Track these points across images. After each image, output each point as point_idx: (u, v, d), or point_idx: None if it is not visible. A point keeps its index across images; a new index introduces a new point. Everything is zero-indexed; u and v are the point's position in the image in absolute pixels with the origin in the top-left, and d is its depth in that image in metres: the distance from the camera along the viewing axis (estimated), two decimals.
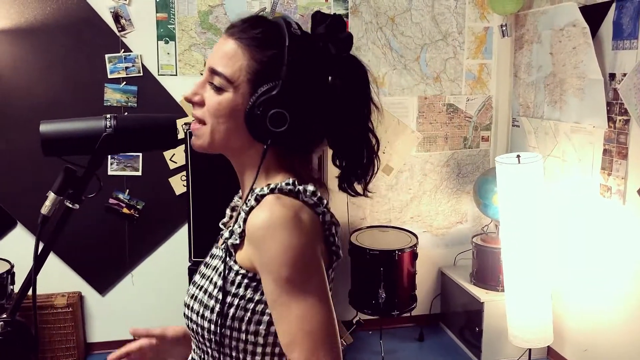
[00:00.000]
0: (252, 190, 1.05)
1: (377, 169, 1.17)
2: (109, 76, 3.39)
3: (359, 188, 1.19)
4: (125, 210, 3.54)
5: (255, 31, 1.04)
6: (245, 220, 1.00)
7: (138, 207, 3.55)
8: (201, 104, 1.06)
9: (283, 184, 1.01)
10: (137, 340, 1.25)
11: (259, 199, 1.01)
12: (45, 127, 0.98)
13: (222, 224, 1.24)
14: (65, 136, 0.99)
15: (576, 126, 3.19)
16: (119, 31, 3.38)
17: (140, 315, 3.62)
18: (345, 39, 1.08)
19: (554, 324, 3.20)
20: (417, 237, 3.61)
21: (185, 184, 3.16)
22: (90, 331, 3.64)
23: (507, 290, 3.22)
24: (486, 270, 3.58)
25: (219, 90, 1.04)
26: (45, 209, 1.01)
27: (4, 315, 1.02)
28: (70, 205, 1.02)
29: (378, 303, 3.40)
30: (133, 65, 3.41)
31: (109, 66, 3.39)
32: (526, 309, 3.12)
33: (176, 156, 3.47)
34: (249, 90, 1.02)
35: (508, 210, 3.11)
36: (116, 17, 3.36)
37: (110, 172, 3.47)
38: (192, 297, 1.08)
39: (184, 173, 3.27)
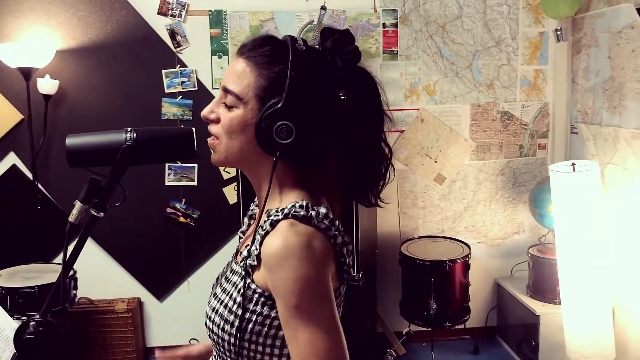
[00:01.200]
0: (265, 208, 1.10)
1: (390, 178, 1.17)
2: (166, 90, 3.54)
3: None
4: (181, 219, 3.66)
5: (262, 49, 1.10)
6: (261, 244, 1.04)
7: (194, 216, 3.67)
8: (217, 121, 1.12)
9: (297, 207, 1.05)
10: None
11: (274, 224, 1.05)
12: (70, 141, 1.05)
13: (241, 232, 1.28)
14: (88, 148, 1.06)
15: (637, 132, 3.05)
16: (175, 47, 3.52)
17: (195, 320, 3.73)
18: (351, 52, 1.10)
19: (616, 339, 3.05)
20: (469, 248, 3.54)
21: (237, 194, 3.25)
22: (149, 335, 3.79)
23: (563, 303, 3.11)
24: (543, 282, 3.46)
25: (230, 107, 1.10)
26: (72, 217, 1.08)
27: (36, 315, 1.09)
28: (95, 214, 1.08)
29: (429, 314, 3.36)
30: (188, 80, 3.54)
31: (165, 81, 3.53)
32: (585, 323, 2.99)
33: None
34: (258, 105, 1.07)
35: (563, 220, 3.01)
36: (172, 34, 3.51)
37: (167, 183, 3.61)
38: (213, 310, 1.14)
39: (236, 183, 3.36)
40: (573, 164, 2.97)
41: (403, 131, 3.74)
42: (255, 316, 1.06)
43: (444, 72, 3.70)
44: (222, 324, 1.10)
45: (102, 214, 1.09)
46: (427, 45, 3.67)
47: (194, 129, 1.10)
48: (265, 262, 1.03)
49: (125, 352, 3.59)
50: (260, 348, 1.07)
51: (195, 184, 3.62)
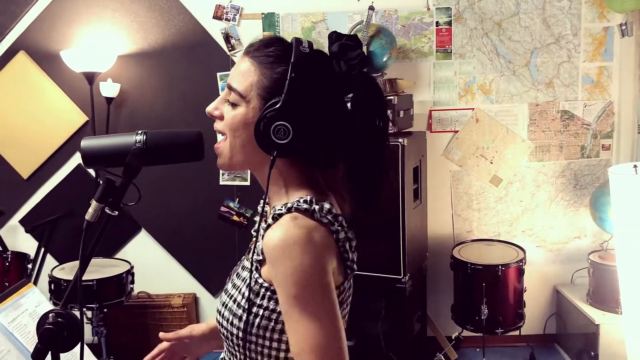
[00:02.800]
0: (266, 202, 1.12)
1: (387, 182, 1.19)
2: (220, 93, 3.62)
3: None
4: (235, 218, 3.75)
5: (267, 50, 1.12)
6: (264, 237, 1.07)
7: (247, 214, 3.74)
8: (221, 117, 1.15)
9: (301, 201, 1.07)
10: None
11: (276, 217, 1.07)
12: (84, 143, 1.10)
13: (254, 232, 1.31)
14: (101, 150, 1.11)
15: None
16: (229, 50, 3.61)
17: None
18: (355, 57, 1.11)
19: None
20: (524, 252, 3.42)
21: None
22: None
23: (625, 312, 2.94)
24: (604, 290, 3.29)
25: (233, 105, 1.12)
26: (88, 215, 1.13)
27: (57, 307, 1.15)
28: (110, 212, 1.13)
29: (480, 319, 3.27)
30: None
31: (220, 83, 3.63)
32: None
33: None
34: (260, 105, 1.10)
35: (623, 224, 2.85)
36: (227, 37, 3.59)
37: (221, 182, 3.71)
38: (223, 305, 1.17)
39: None
40: (635, 166, 2.81)
41: (457, 131, 3.66)
42: (262, 310, 1.08)
43: (500, 71, 3.59)
44: (230, 318, 1.12)
45: (116, 212, 1.14)
46: (483, 43, 3.57)
47: (201, 132, 1.13)
48: (267, 255, 1.05)
49: None
50: (267, 342, 1.10)
51: (247, 183, 3.70)
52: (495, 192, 3.72)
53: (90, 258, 1.17)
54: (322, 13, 3.55)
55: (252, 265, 1.10)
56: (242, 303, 1.11)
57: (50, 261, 3.55)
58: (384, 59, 3.25)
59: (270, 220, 1.08)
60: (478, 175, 3.70)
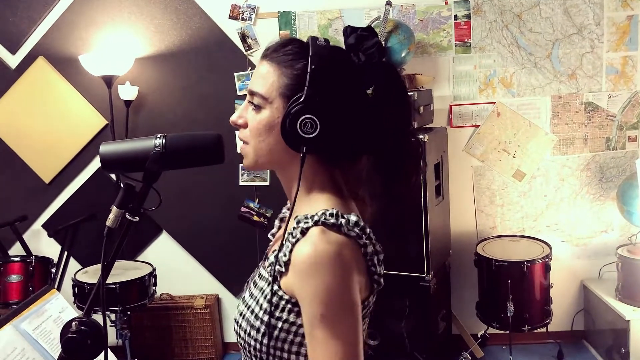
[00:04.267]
0: (293, 210, 1.09)
1: (421, 172, 1.16)
2: (238, 93, 3.62)
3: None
4: (255, 218, 3.74)
5: (285, 49, 1.10)
6: (291, 251, 1.04)
7: (267, 214, 3.73)
8: (245, 126, 1.13)
9: (327, 214, 1.04)
10: None
11: (304, 231, 1.04)
12: (103, 148, 1.09)
13: (272, 235, 1.28)
14: (120, 155, 1.09)
15: None
16: (246, 50, 3.59)
17: None
18: (372, 46, 1.09)
19: None
20: (550, 248, 3.36)
21: None
22: (227, 331, 3.89)
23: None
24: (634, 285, 3.22)
25: (258, 108, 1.10)
26: (109, 222, 1.11)
27: (80, 315, 1.13)
28: (131, 218, 1.11)
29: (506, 317, 3.21)
30: None
31: (237, 84, 3.61)
32: None
33: None
34: (283, 104, 1.08)
35: None
36: (243, 37, 3.58)
37: (241, 183, 3.70)
38: (241, 315, 1.14)
39: None
40: None
41: (478, 126, 3.60)
42: (281, 323, 1.06)
43: (522, 63, 3.53)
44: (248, 330, 1.10)
45: (137, 218, 1.12)
46: (503, 35, 3.51)
47: (221, 134, 1.10)
48: (294, 269, 1.02)
49: (205, 346, 3.71)
50: (285, 355, 1.07)
51: (267, 183, 3.68)
52: (518, 187, 3.65)
53: (112, 264, 1.16)
54: (338, 10, 3.51)
55: (273, 276, 1.07)
56: (260, 315, 1.08)
57: (73, 265, 3.58)
58: (402, 55, 3.21)
59: (298, 235, 1.04)
60: (500, 170, 3.64)
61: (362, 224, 1.06)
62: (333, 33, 3.50)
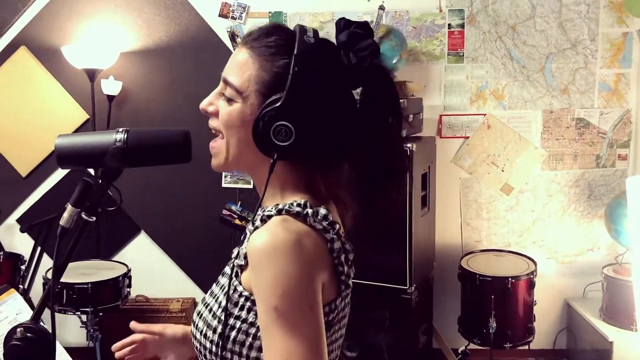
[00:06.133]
0: (260, 206, 1.01)
1: (404, 185, 1.07)
2: None
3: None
4: (237, 221, 3.65)
5: (267, 39, 1.01)
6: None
7: (249, 218, 3.63)
8: (216, 114, 1.05)
9: (294, 204, 0.96)
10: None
11: (265, 219, 0.97)
12: (59, 141, 1.00)
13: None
14: (78, 149, 1.01)
15: None
16: (235, 49, 3.51)
17: None
18: (366, 48, 0.99)
19: None
20: (535, 264, 3.30)
21: None
22: None
23: None
24: (618, 306, 3.16)
25: (229, 100, 1.02)
26: (63, 221, 1.02)
27: (26, 321, 1.04)
28: (87, 218, 1.02)
29: (488, 333, 3.14)
30: None
31: None
32: None
33: None
34: (258, 101, 0.99)
35: None
36: (232, 36, 3.50)
37: (223, 185, 3.61)
38: (198, 315, 1.06)
39: None
40: None
41: (468, 137, 3.54)
42: (239, 323, 0.97)
43: (514, 76, 3.48)
44: (204, 330, 1.01)
45: (93, 218, 1.03)
46: (496, 47, 3.46)
47: (189, 131, 1.02)
48: (250, 260, 0.93)
49: None
50: None
51: (251, 186, 3.60)
52: (506, 201, 3.60)
53: (65, 266, 1.07)
54: (331, 13, 3.45)
55: (232, 270, 0.99)
56: (218, 313, 0.99)
57: (47, 262, 3.46)
58: (394, 61, 3.15)
59: (258, 223, 0.97)
60: (488, 183, 3.58)
61: (331, 218, 0.97)
62: (324, 36, 3.41)
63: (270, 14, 3.47)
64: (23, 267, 3.03)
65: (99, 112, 3.47)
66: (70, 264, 3.15)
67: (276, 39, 1.00)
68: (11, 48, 3.53)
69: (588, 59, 3.43)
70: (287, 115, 0.95)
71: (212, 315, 1.01)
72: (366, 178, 1.05)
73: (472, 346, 3.38)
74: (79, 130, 3.56)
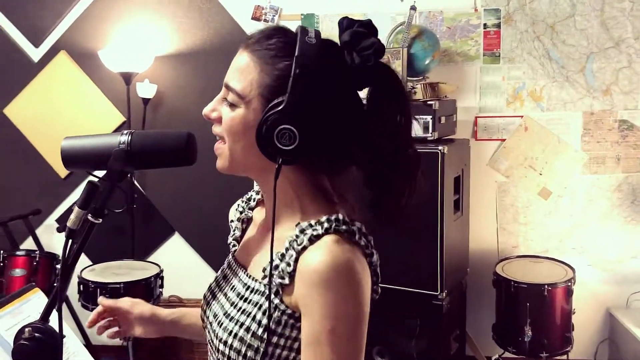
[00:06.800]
0: (274, 215, 0.98)
1: (414, 190, 1.02)
2: None
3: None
4: None
5: (268, 42, 0.99)
6: (296, 260, 0.94)
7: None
8: (219, 120, 1.03)
9: (337, 222, 0.95)
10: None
11: (313, 239, 0.94)
12: (65, 143, 1.01)
13: (235, 240, 1.20)
14: (83, 151, 1.02)
15: None
16: None
17: None
18: (369, 47, 0.96)
19: None
20: (574, 271, 3.18)
21: None
22: None
23: None
24: None
25: (232, 106, 1.00)
26: (70, 222, 1.03)
27: (34, 321, 1.05)
28: (93, 220, 1.03)
29: (524, 341, 3.05)
30: None
31: None
32: None
33: None
34: (261, 105, 0.97)
35: None
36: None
37: (256, 186, 3.61)
38: (231, 334, 1.00)
39: None
40: None
41: (504, 140, 3.45)
42: (284, 340, 0.96)
43: (552, 77, 3.37)
44: (243, 350, 0.98)
45: (100, 220, 1.03)
46: (534, 47, 3.36)
47: (192, 133, 1.01)
48: (303, 278, 0.92)
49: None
50: None
51: None
52: (544, 206, 3.48)
53: (73, 267, 1.07)
54: (363, 14, 3.41)
55: (269, 289, 0.96)
56: (259, 332, 0.97)
57: (84, 261, 3.55)
58: (426, 62, 3.09)
59: (305, 242, 0.94)
60: (526, 187, 3.48)
61: (365, 231, 0.98)
62: None
63: (302, 16, 3.47)
64: (59, 266, 3.10)
65: (134, 114, 3.53)
66: (104, 264, 3.22)
67: (276, 41, 0.98)
68: (52, 53, 3.63)
69: (632, 58, 3.29)
70: (290, 118, 0.92)
71: (252, 335, 0.97)
72: (373, 181, 1.01)
73: (506, 354, 3.29)
74: (116, 131, 3.62)
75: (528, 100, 3.40)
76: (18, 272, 2.84)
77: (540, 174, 3.45)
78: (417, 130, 2.90)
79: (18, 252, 2.95)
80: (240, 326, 1.00)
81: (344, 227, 0.94)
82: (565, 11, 3.30)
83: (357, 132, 0.99)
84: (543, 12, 3.32)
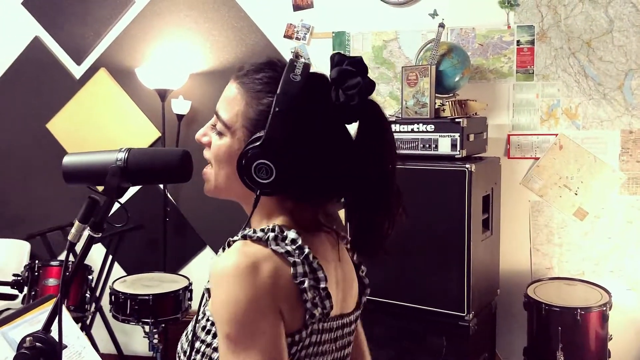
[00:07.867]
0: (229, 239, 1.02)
1: (393, 226, 1.02)
2: None
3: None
4: None
5: (256, 76, 1.02)
6: None
7: None
8: (209, 145, 1.08)
9: (260, 229, 0.96)
10: None
11: (231, 244, 0.98)
12: (66, 159, 1.05)
13: None
14: (82, 167, 1.06)
15: None
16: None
17: None
18: (354, 86, 0.96)
19: None
20: (610, 295, 3.06)
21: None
22: None
23: None
24: None
25: (220, 134, 1.05)
26: (71, 236, 1.07)
27: (36, 331, 1.09)
28: (93, 234, 1.06)
29: None
30: None
31: None
32: None
33: None
34: (245, 137, 1.00)
35: None
36: (296, 56, 3.55)
37: None
38: (184, 335, 1.07)
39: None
40: None
41: (538, 158, 3.37)
42: (204, 347, 0.98)
43: (589, 94, 3.28)
44: (180, 356, 1.03)
45: (99, 234, 1.07)
46: (569, 63, 3.28)
47: (188, 151, 1.04)
48: (210, 284, 0.95)
49: None
50: None
51: None
52: (580, 226, 3.38)
53: (73, 279, 1.11)
54: (394, 31, 3.42)
55: (202, 296, 1.00)
56: (189, 336, 1.02)
57: (118, 271, 3.64)
58: (456, 79, 3.06)
59: (226, 247, 0.99)
60: (560, 207, 3.38)
61: (300, 242, 0.95)
62: (387, 55, 3.40)
63: (333, 34, 3.49)
64: (90, 277, 3.19)
65: (169, 130, 3.62)
66: (135, 276, 3.30)
67: (263, 76, 1.01)
68: (93, 70, 3.78)
69: None
70: (268, 153, 0.95)
71: (186, 339, 1.02)
72: (353, 216, 1.02)
73: None
74: (152, 146, 3.73)
75: (563, 118, 3.32)
76: (52, 281, 2.94)
77: (576, 194, 3.35)
78: (444, 147, 2.87)
79: (52, 262, 3.05)
80: (185, 332, 1.06)
81: (259, 234, 0.94)
82: (602, 27, 3.22)
83: (341, 166, 1.00)
84: (579, 28, 3.25)
